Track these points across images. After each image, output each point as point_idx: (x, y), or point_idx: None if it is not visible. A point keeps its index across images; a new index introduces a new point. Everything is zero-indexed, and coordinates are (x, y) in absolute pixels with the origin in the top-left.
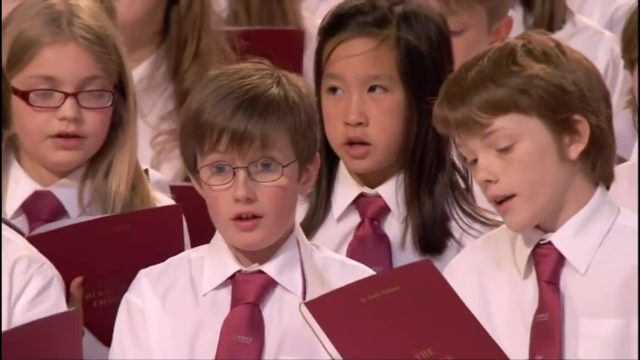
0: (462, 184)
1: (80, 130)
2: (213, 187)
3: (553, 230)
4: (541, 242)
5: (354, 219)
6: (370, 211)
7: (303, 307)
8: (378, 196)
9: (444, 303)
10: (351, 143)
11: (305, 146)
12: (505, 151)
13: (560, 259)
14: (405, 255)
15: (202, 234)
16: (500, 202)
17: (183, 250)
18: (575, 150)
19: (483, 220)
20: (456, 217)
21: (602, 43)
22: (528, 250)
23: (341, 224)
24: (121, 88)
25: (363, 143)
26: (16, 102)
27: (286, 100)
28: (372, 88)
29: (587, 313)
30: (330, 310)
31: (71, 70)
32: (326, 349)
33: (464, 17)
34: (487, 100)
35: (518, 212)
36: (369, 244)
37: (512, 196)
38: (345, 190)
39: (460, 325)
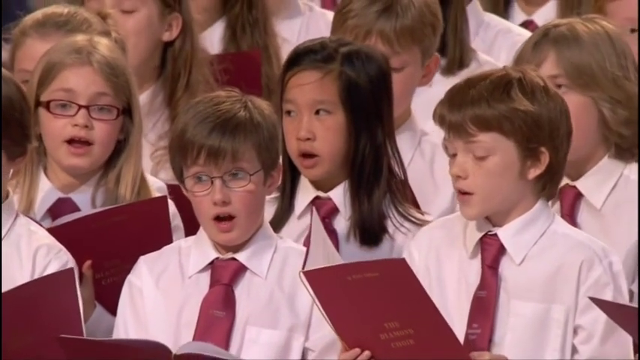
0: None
1: (89, 135)
2: (196, 193)
3: (500, 225)
4: (489, 233)
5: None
6: (323, 211)
7: (302, 275)
8: (330, 199)
9: (410, 290)
10: (303, 155)
11: (268, 157)
12: (479, 158)
13: (502, 250)
14: (349, 246)
15: (193, 220)
16: (462, 193)
17: (170, 232)
18: (533, 173)
19: (413, 219)
20: (391, 216)
21: None
22: (478, 236)
23: (301, 221)
24: (129, 111)
25: (312, 155)
26: (41, 112)
27: (251, 121)
28: (318, 111)
29: (517, 296)
30: (321, 281)
31: (85, 85)
32: (319, 308)
33: (404, 56)
34: (478, 115)
35: (473, 207)
36: None
37: (472, 193)
38: (304, 194)
39: (422, 308)
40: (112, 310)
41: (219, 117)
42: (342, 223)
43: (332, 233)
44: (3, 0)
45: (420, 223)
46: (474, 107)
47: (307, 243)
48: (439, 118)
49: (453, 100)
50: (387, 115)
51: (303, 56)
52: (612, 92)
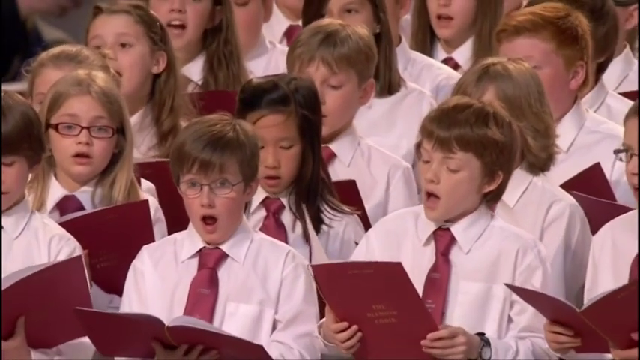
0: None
1: (90, 151)
2: (188, 196)
3: (452, 221)
4: (442, 227)
5: (262, 213)
6: (272, 208)
7: (310, 267)
8: (278, 199)
9: (400, 284)
10: (267, 177)
11: (249, 171)
12: (452, 171)
13: (452, 240)
14: (294, 235)
15: (170, 194)
16: (428, 197)
17: (151, 227)
18: (487, 189)
19: (342, 211)
20: (324, 210)
21: (424, 99)
22: (431, 229)
23: (254, 216)
24: (122, 130)
25: (276, 178)
26: (51, 133)
27: (237, 141)
28: (282, 145)
29: (465, 277)
30: (325, 273)
31: (86, 110)
32: (320, 292)
33: (341, 76)
34: (463, 136)
35: (436, 211)
36: (271, 229)
37: (438, 198)
38: (257, 195)
39: (407, 297)
40: (104, 288)
41: (211, 136)
42: (288, 218)
43: (280, 226)
44: (26, 39)
45: (348, 213)
46: (461, 129)
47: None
48: (427, 132)
49: (442, 119)
50: (319, 128)
51: (261, 97)
52: (535, 123)
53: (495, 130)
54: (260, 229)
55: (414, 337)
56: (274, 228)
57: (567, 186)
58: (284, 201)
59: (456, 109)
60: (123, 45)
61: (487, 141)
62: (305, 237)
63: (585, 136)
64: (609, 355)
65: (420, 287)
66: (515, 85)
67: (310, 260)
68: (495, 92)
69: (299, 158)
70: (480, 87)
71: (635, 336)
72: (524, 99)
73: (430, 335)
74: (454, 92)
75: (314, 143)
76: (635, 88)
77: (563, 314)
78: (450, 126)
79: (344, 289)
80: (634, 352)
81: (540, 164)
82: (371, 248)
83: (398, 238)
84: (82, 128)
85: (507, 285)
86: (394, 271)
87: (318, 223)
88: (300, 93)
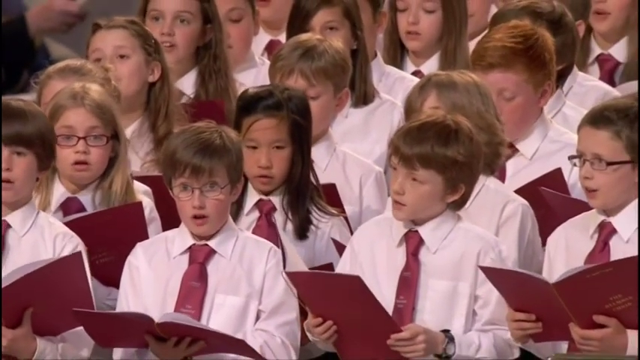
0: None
1: (87, 158)
2: (181, 199)
3: (420, 224)
4: (412, 229)
5: (256, 214)
6: (265, 209)
7: (284, 274)
8: (270, 200)
9: (359, 294)
10: (260, 176)
11: (235, 174)
12: (416, 182)
13: (421, 241)
14: (286, 234)
15: (165, 199)
16: (396, 202)
17: (144, 225)
18: (451, 199)
19: (329, 212)
20: (312, 211)
21: (395, 110)
22: (403, 232)
23: (248, 217)
24: (116, 136)
25: (268, 177)
26: None
27: (224, 147)
28: (274, 147)
29: (433, 276)
30: (298, 280)
31: (81, 122)
32: (295, 294)
33: (319, 88)
34: (423, 155)
35: (403, 213)
36: (264, 229)
37: (405, 205)
38: (251, 197)
39: (368, 305)
40: (103, 282)
41: (201, 143)
42: (279, 218)
43: (273, 226)
44: (34, 54)
45: (336, 214)
46: (422, 148)
47: (255, 233)
48: (394, 148)
49: (407, 137)
50: (309, 134)
51: (257, 103)
52: (477, 121)
53: (455, 150)
54: (254, 229)
55: (382, 336)
56: (267, 228)
57: (530, 187)
58: (276, 202)
59: (421, 129)
60: (121, 56)
61: (447, 161)
62: (297, 234)
63: (548, 144)
64: (565, 345)
65: (394, 285)
66: (456, 90)
67: (284, 265)
68: (437, 96)
69: (290, 160)
70: (422, 93)
71: (597, 318)
72: (466, 99)
73: (393, 336)
74: (404, 105)
75: (303, 147)
76: (581, 101)
77: (533, 290)
78: (412, 145)
79: (315, 293)
80: (593, 332)
81: (487, 160)
82: (354, 253)
83: (375, 242)
84: (79, 138)
85: (480, 267)
86: (354, 283)
87: (306, 223)
88: (292, 101)
